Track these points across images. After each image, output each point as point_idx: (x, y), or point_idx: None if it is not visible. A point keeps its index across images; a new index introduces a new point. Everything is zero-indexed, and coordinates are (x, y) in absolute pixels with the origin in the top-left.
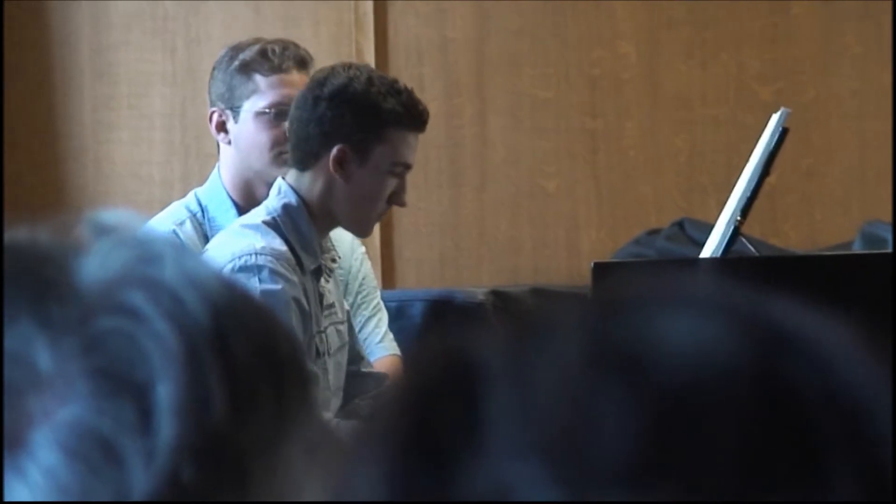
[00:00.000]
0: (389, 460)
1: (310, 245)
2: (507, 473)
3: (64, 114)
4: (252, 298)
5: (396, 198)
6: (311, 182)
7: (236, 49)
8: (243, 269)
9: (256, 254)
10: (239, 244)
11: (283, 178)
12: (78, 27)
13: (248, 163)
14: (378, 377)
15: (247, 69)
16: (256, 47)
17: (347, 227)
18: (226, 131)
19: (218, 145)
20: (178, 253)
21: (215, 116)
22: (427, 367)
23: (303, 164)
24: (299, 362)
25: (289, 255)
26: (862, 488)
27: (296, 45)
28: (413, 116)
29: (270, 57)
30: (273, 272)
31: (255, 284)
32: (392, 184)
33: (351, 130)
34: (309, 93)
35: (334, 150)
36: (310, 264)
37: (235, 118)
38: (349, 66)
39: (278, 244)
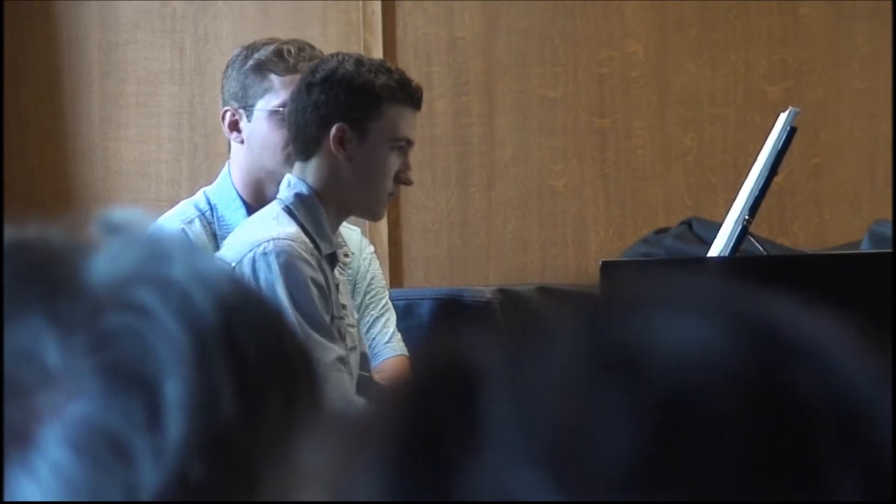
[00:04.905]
0: (390, 466)
1: (323, 231)
2: (508, 478)
3: (72, 112)
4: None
5: (402, 175)
6: (316, 169)
7: (251, 48)
8: (262, 256)
9: (274, 240)
10: (256, 234)
11: (290, 172)
12: (86, 26)
13: (260, 162)
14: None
15: (262, 68)
16: (272, 47)
17: (359, 212)
18: (238, 130)
19: (229, 144)
20: (188, 251)
21: (228, 115)
22: (427, 371)
23: (305, 152)
24: (308, 360)
25: (305, 238)
26: (863, 490)
27: (311, 47)
28: (407, 92)
29: (286, 57)
30: (291, 256)
31: (274, 270)
32: (395, 161)
33: (347, 109)
34: (302, 82)
35: (333, 130)
36: (325, 250)
37: (248, 117)
38: (337, 53)
39: (295, 230)
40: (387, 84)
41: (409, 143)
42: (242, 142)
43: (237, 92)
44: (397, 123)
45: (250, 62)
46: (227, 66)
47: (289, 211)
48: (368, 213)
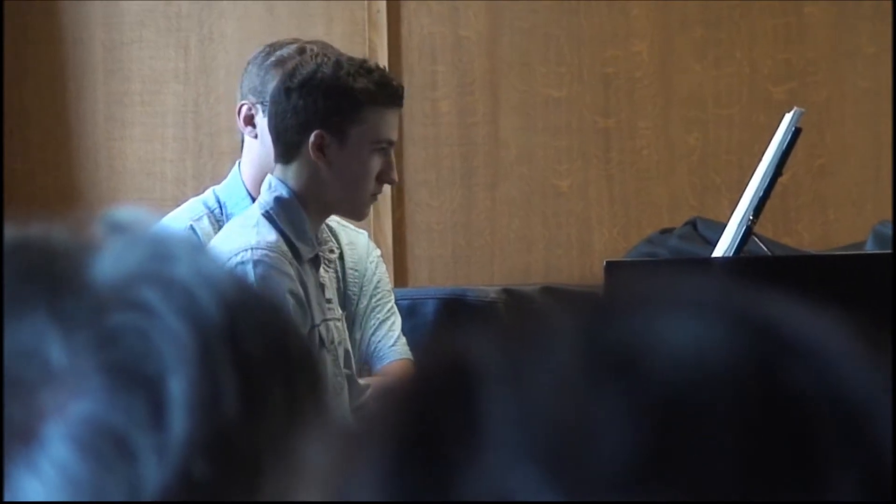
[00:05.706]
0: (389, 466)
1: (305, 235)
2: (508, 478)
3: (77, 111)
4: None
5: (385, 176)
6: (296, 173)
7: (274, 46)
8: (239, 265)
9: (251, 249)
10: (234, 242)
11: (271, 174)
12: (91, 25)
13: (272, 158)
14: (360, 388)
15: (283, 65)
16: (294, 46)
17: (341, 213)
18: (253, 125)
19: (242, 140)
20: (192, 251)
21: (244, 109)
22: (428, 371)
23: (286, 156)
24: (311, 360)
25: (284, 247)
26: (863, 490)
27: (333, 47)
28: (387, 93)
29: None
30: (268, 266)
31: (250, 280)
32: (377, 163)
33: (325, 115)
34: (281, 85)
35: (312, 137)
36: (307, 254)
37: (264, 112)
38: (317, 54)
39: (273, 238)
40: (366, 88)
41: (391, 143)
42: (256, 136)
43: (256, 86)
44: (378, 126)
45: (272, 58)
46: (248, 63)
47: (269, 216)
48: (352, 214)
